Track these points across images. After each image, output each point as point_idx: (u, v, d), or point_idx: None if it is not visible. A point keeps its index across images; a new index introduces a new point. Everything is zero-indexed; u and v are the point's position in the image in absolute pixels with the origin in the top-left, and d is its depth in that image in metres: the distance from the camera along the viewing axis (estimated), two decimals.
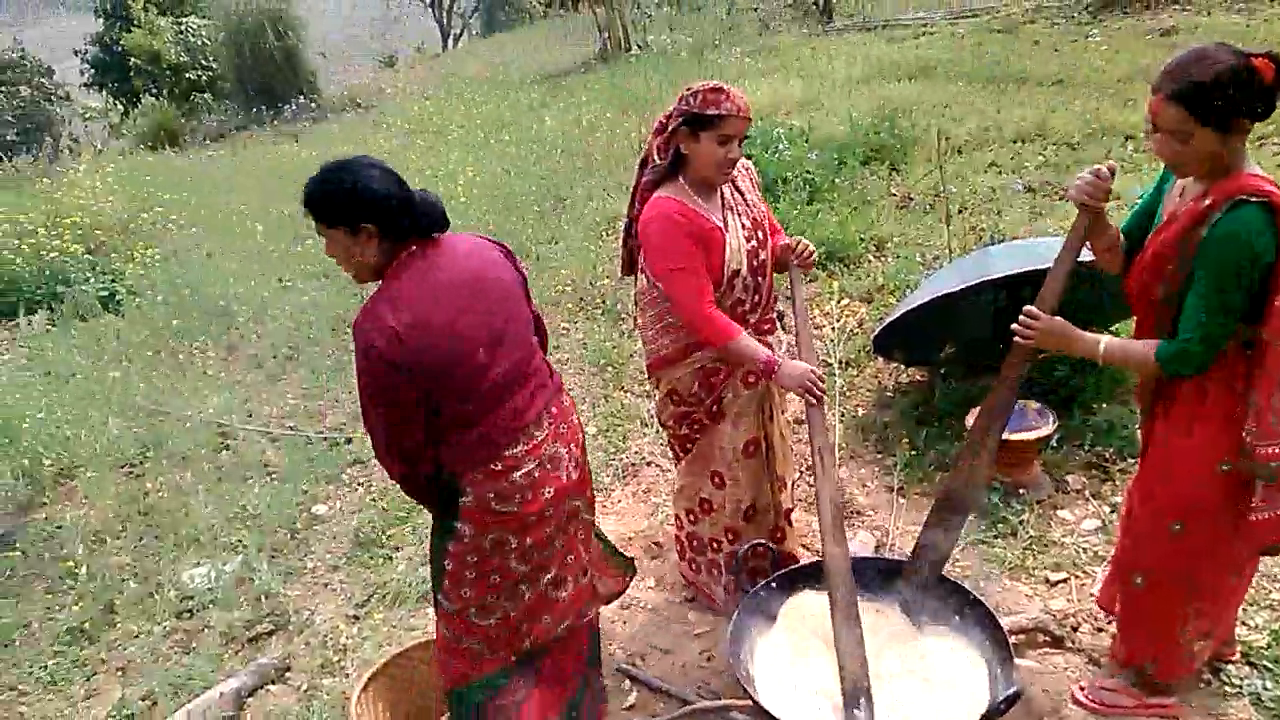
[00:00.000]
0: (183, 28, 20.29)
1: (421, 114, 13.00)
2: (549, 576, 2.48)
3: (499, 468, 2.30)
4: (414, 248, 2.24)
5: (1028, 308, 2.35)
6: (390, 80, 19.29)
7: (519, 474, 2.32)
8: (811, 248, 2.94)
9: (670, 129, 2.70)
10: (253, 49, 17.02)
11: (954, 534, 2.60)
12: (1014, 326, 2.36)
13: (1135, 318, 2.36)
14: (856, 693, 2.35)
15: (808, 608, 2.70)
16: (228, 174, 11.46)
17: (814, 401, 2.70)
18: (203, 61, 19.71)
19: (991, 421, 2.54)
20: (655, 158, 2.78)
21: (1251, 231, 1.99)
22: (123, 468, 4.97)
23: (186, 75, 19.57)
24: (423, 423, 2.23)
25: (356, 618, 3.62)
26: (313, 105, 16.84)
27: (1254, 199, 1.99)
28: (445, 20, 31.96)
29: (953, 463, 2.57)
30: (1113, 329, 4.26)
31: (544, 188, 8.39)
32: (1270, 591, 2.98)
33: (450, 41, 31.40)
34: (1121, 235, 2.39)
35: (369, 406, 2.23)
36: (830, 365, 4.73)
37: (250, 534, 4.21)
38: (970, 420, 3.77)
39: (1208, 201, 2.05)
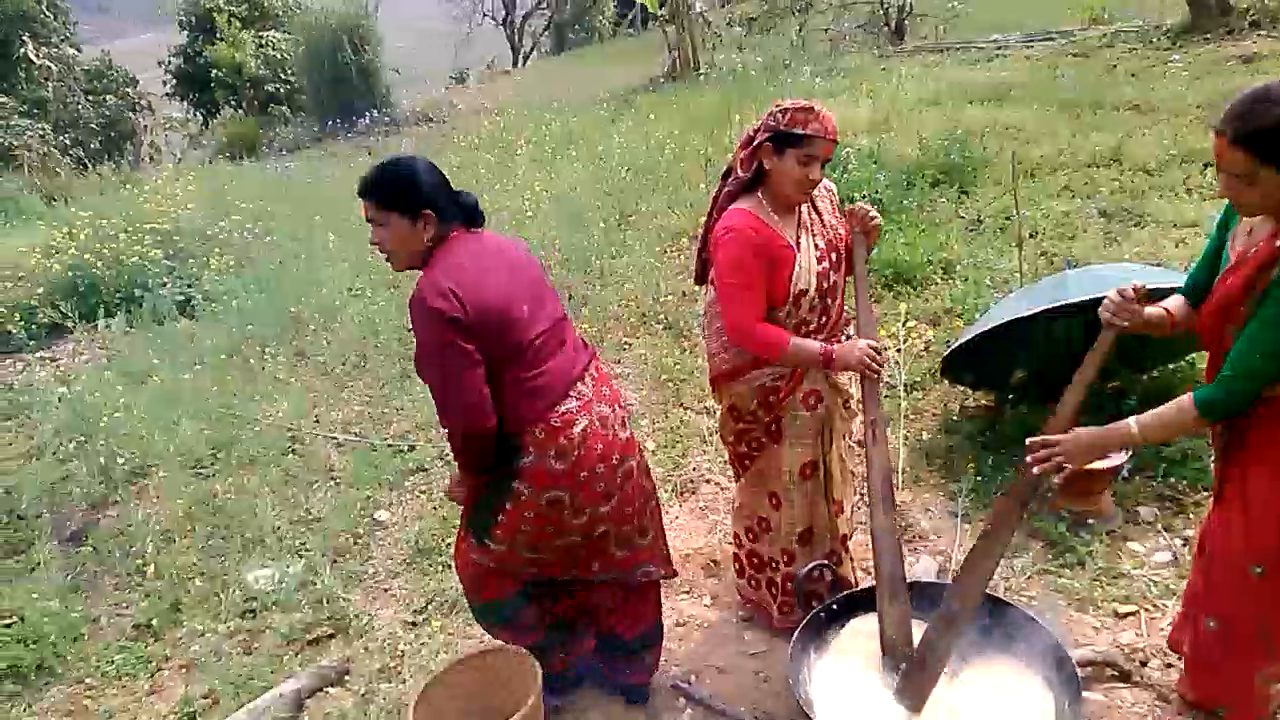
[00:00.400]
0: (263, 41, 20.88)
1: (491, 129, 13.17)
2: (602, 530, 2.67)
3: (557, 423, 2.47)
4: (455, 234, 2.52)
5: (1034, 440, 2.32)
6: (461, 96, 19.60)
7: (576, 430, 2.50)
8: (874, 213, 2.87)
9: (756, 143, 2.71)
10: (330, 63, 17.39)
11: (952, 641, 2.50)
12: (1028, 459, 2.33)
13: (1208, 357, 2.30)
14: (899, 657, 2.41)
15: (867, 632, 2.66)
16: (303, 184, 11.73)
17: (873, 376, 2.73)
18: (281, 75, 20.26)
19: (993, 541, 2.48)
20: (739, 170, 2.79)
21: None
22: (193, 468, 5.10)
23: (265, 88, 20.13)
24: (484, 376, 2.40)
25: (415, 624, 3.66)
26: (386, 119, 17.15)
27: None
28: (516, 38, 32.48)
29: (954, 579, 2.54)
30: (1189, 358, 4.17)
31: (610, 203, 8.44)
32: None
33: (520, 59, 31.87)
34: (1181, 296, 2.38)
35: (433, 365, 2.42)
36: (895, 387, 4.67)
37: (314, 537, 4.28)
38: None
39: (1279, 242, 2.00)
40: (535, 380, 2.47)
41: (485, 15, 33.85)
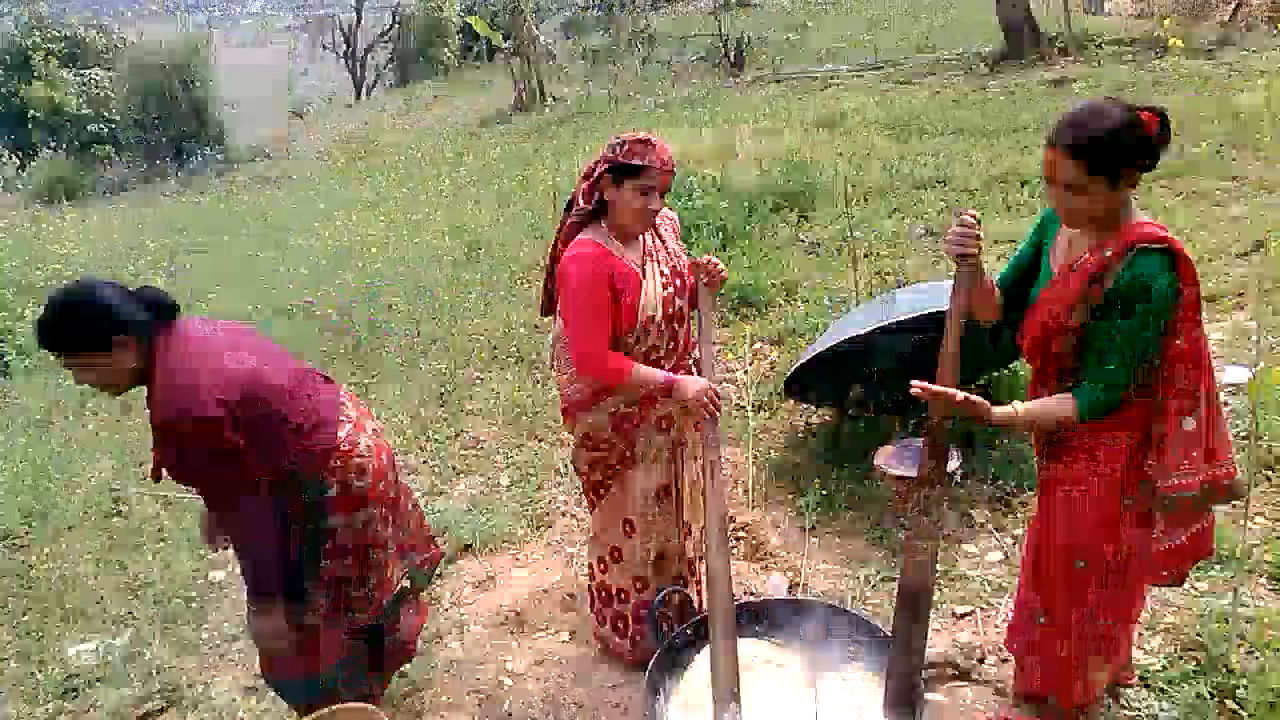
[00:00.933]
0: (85, 79, 19.81)
1: (331, 165, 12.87)
2: (401, 531, 2.83)
3: (346, 446, 2.55)
4: (161, 336, 2.37)
5: (922, 384, 2.22)
6: (301, 131, 19.09)
7: (362, 444, 2.60)
8: (720, 265, 2.95)
9: (595, 175, 2.74)
10: (159, 101, 16.67)
11: (925, 625, 2.49)
12: (914, 389, 2.23)
13: (1032, 369, 2.40)
14: (727, 695, 2.43)
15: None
16: (128, 227, 11.13)
17: (709, 416, 2.78)
18: (105, 114, 19.24)
19: (932, 488, 2.40)
20: (580, 201, 2.81)
21: (1156, 277, 2.06)
22: (2, 540, 4.70)
23: (88, 127, 19.06)
24: (253, 460, 2.37)
25: (255, 689, 3.46)
26: (219, 158, 16.52)
27: (1154, 247, 2.07)
28: (358, 71, 31.84)
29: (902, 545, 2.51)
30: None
31: (457, 237, 8.35)
32: (1164, 615, 3.05)
33: (363, 92, 31.26)
34: (998, 289, 2.43)
35: (203, 473, 2.39)
36: (743, 408, 4.76)
37: (142, 605, 4.00)
38: (878, 459, 3.82)
39: (1109, 253, 2.12)
40: (312, 418, 2.52)
41: (325, 48, 33.09)
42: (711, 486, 2.74)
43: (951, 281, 2.34)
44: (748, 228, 7.08)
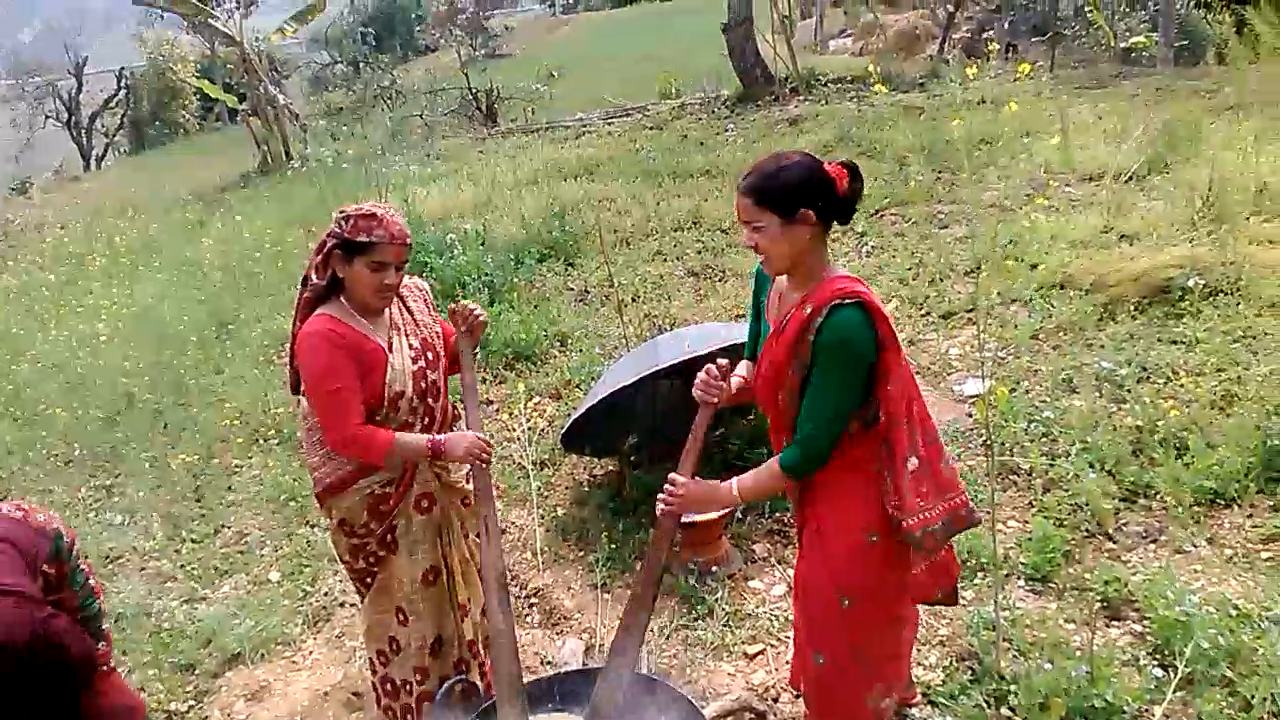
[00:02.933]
0: None
1: (56, 244, 11.75)
2: None
3: None
4: None
5: (671, 475, 2.44)
6: (21, 209, 17.35)
7: None
8: (478, 310, 2.83)
9: (325, 250, 2.59)
10: None
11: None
12: (659, 499, 2.44)
13: (770, 420, 2.49)
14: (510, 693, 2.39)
15: None
16: None
17: (482, 467, 2.70)
18: None
19: (638, 615, 2.51)
20: (314, 277, 2.64)
21: (853, 330, 2.17)
22: None
23: None
24: None
25: None
26: None
27: (849, 301, 2.17)
28: (85, 140, 29.50)
29: (606, 658, 2.56)
30: None
31: (204, 313, 7.78)
32: (938, 628, 3.22)
33: (93, 162, 28.97)
34: (748, 362, 2.58)
35: None
36: (525, 468, 4.66)
37: None
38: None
39: (809, 309, 2.21)
40: None
41: (47, 117, 30.39)
42: (488, 543, 2.64)
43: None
44: (515, 280, 7.03)
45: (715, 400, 2.45)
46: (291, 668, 3.72)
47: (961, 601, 3.30)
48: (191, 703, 3.58)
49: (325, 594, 4.15)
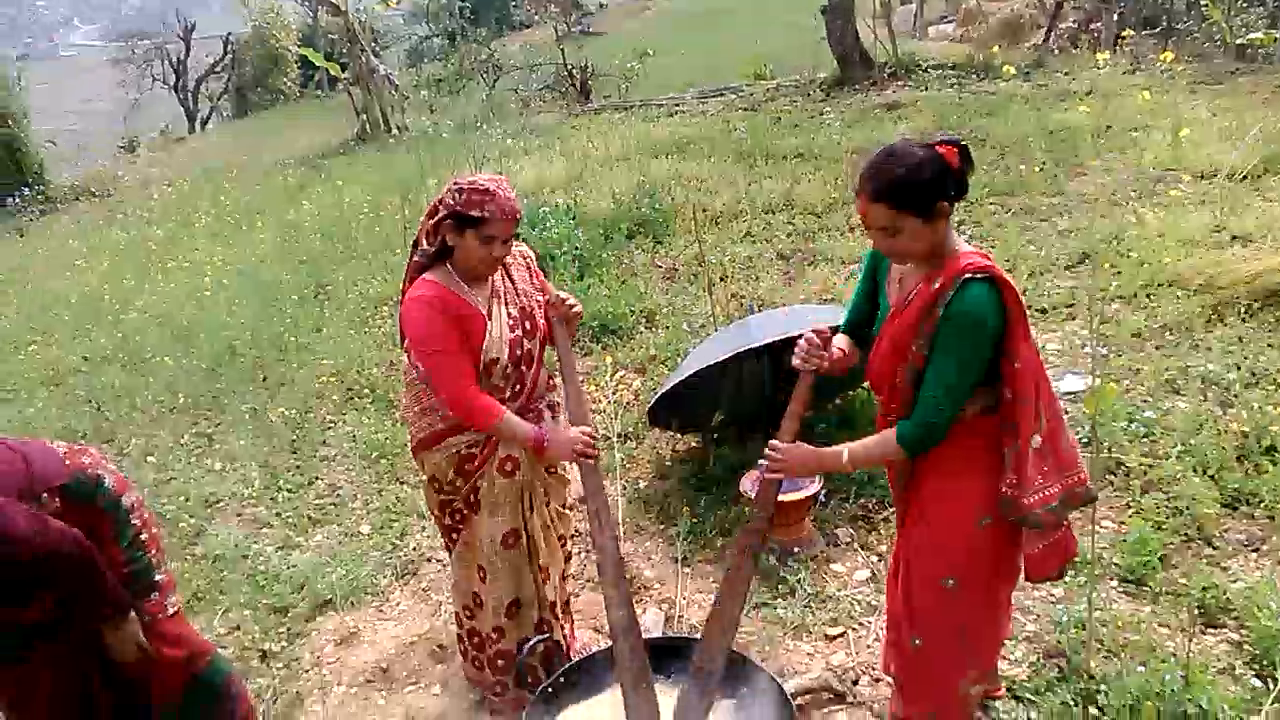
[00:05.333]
0: None
1: (164, 201, 12.20)
2: None
3: None
4: None
5: (772, 443, 2.44)
6: (131, 167, 18.06)
7: None
8: (573, 302, 2.89)
9: (437, 219, 2.65)
10: None
11: (709, 699, 2.51)
12: (762, 461, 2.45)
13: (880, 400, 2.46)
14: (623, 629, 2.42)
15: (595, 702, 2.61)
16: None
17: (589, 464, 2.71)
18: None
19: (736, 589, 2.52)
20: (424, 242, 2.72)
21: (982, 306, 2.13)
22: None
23: None
24: None
25: None
26: (40, 196, 15.44)
27: (979, 276, 2.14)
28: (191, 102, 30.51)
29: (703, 628, 2.56)
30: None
31: (303, 274, 8.02)
32: (1025, 624, 3.17)
33: (198, 125, 29.96)
34: (846, 335, 2.55)
35: None
36: (609, 439, 4.72)
37: None
38: (744, 484, 3.86)
39: (937, 285, 2.18)
40: None
41: (155, 79, 31.52)
42: (601, 535, 2.63)
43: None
44: (604, 255, 7.08)
45: (815, 367, 2.44)
46: (380, 616, 3.85)
47: (1051, 599, 3.26)
48: (285, 643, 3.72)
49: (414, 549, 4.27)
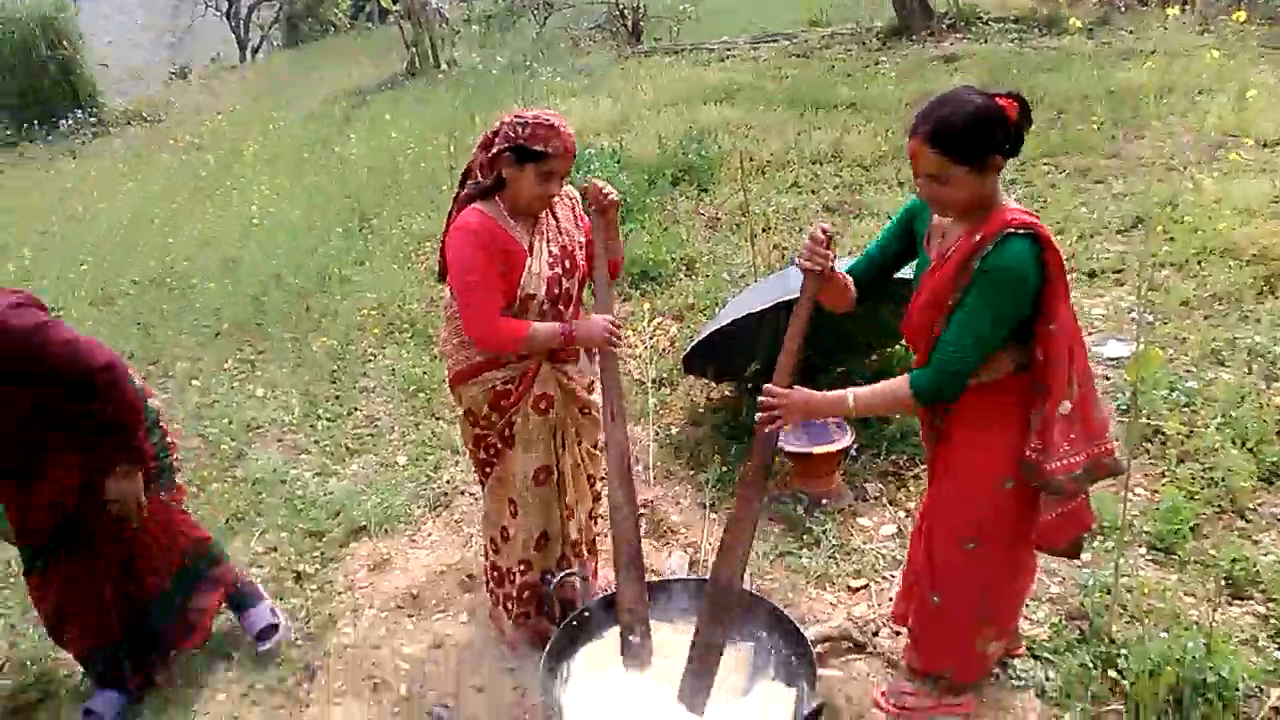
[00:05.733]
0: None
1: (214, 129, 12.30)
2: None
3: None
4: None
5: (767, 386, 2.34)
6: (181, 93, 18.19)
7: None
8: (608, 189, 2.85)
9: (495, 151, 2.65)
10: (24, 61, 15.64)
11: (728, 626, 2.54)
12: (758, 416, 2.36)
13: (915, 354, 2.44)
14: (633, 621, 2.45)
15: (612, 636, 2.67)
16: None
17: (612, 349, 2.78)
18: None
19: (742, 524, 2.49)
20: (477, 174, 2.73)
21: (1019, 260, 2.10)
22: None
23: None
24: None
25: None
26: (93, 119, 15.61)
27: (1020, 231, 2.10)
28: (243, 31, 30.49)
29: (718, 551, 2.56)
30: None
31: (348, 207, 8.08)
32: (1049, 586, 3.17)
33: (248, 53, 29.96)
34: (849, 276, 2.48)
35: None
36: (644, 384, 4.74)
37: (15, 595, 3.79)
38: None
39: (978, 237, 2.15)
40: None
41: (208, 6, 31.52)
42: (614, 423, 2.73)
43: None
44: (647, 201, 7.05)
45: (820, 268, 2.31)
46: (412, 545, 3.94)
47: (1078, 563, 3.25)
48: (319, 566, 3.83)
49: (447, 481, 4.35)
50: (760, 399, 2.36)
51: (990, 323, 2.14)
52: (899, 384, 2.26)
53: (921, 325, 2.31)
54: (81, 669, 3.18)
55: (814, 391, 2.34)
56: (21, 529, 2.85)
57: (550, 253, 2.80)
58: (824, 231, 2.32)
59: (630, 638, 2.44)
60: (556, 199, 2.85)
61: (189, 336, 6.16)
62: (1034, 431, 2.20)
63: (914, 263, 2.45)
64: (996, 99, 2.11)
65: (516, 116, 2.64)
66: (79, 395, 2.65)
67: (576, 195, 3.00)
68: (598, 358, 2.90)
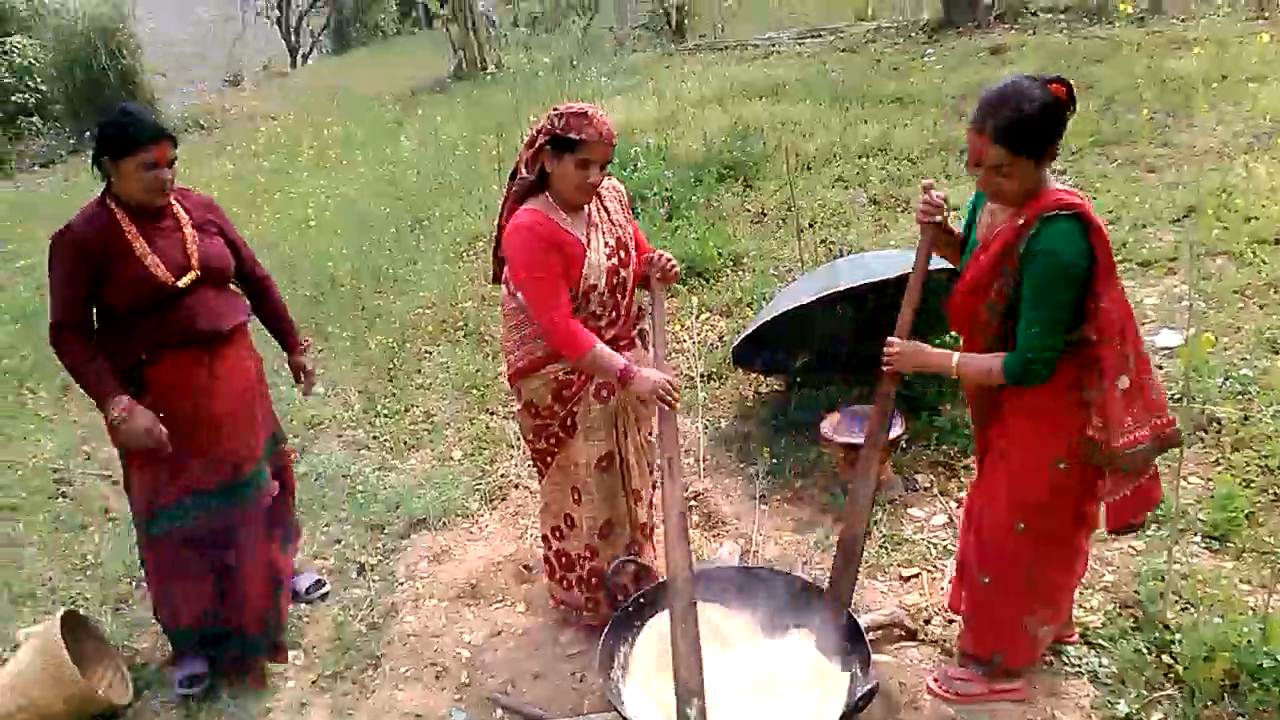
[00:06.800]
0: (7, 47, 18.94)
1: (269, 134, 12.57)
2: None
3: None
4: None
5: (890, 338, 2.48)
6: (236, 100, 18.57)
7: None
8: (673, 261, 3.01)
9: (536, 146, 2.75)
10: (85, 69, 16.06)
11: (854, 571, 2.71)
12: (883, 356, 2.52)
13: (961, 337, 2.48)
14: (688, 693, 2.42)
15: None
16: (58, 199, 10.76)
17: (666, 409, 2.81)
18: (30, 83, 18.43)
19: (870, 464, 2.66)
20: (523, 171, 2.83)
21: (1068, 243, 2.13)
22: None
23: (13, 98, 18.26)
24: None
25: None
26: None
27: (1065, 213, 2.13)
28: (293, 37, 31.04)
29: (847, 502, 2.71)
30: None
31: (400, 209, 8.24)
32: (1103, 574, 3.18)
33: (299, 59, 30.50)
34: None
35: None
36: (693, 378, 4.81)
37: (91, 585, 3.96)
38: (825, 427, 3.90)
39: (1021, 220, 2.18)
40: None
41: (259, 14, 32.16)
42: (670, 482, 2.74)
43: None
44: (693, 198, 7.10)
45: (938, 220, 2.48)
46: (469, 537, 4.04)
47: (1131, 551, 3.26)
48: (381, 558, 3.95)
49: (502, 475, 4.45)
50: (884, 349, 2.52)
51: (1051, 307, 2.19)
52: (995, 362, 2.31)
53: (965, 309, 2.35)
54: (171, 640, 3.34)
55: (925, 346, 2.50)
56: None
57: (606, 244, 2.88)
58: (927, 186, 2.51)
59: (687, 710, 2.40)
60: (604, 192, 2.94)
61: (251, 337, 6.31)
62: (1094, 410, 2.22)
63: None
64: (1049, 85, 2.14)
65: (553, 110, 2.75)
66: None
67: (623, 189, 3.10)
68: (654, 361, 2.97)
